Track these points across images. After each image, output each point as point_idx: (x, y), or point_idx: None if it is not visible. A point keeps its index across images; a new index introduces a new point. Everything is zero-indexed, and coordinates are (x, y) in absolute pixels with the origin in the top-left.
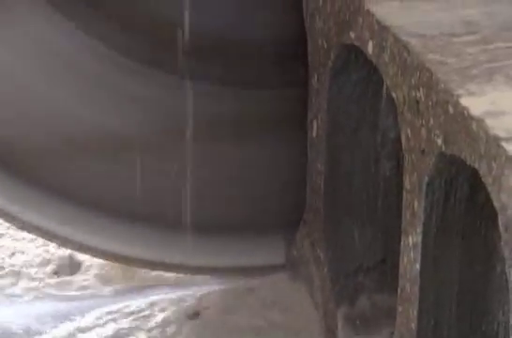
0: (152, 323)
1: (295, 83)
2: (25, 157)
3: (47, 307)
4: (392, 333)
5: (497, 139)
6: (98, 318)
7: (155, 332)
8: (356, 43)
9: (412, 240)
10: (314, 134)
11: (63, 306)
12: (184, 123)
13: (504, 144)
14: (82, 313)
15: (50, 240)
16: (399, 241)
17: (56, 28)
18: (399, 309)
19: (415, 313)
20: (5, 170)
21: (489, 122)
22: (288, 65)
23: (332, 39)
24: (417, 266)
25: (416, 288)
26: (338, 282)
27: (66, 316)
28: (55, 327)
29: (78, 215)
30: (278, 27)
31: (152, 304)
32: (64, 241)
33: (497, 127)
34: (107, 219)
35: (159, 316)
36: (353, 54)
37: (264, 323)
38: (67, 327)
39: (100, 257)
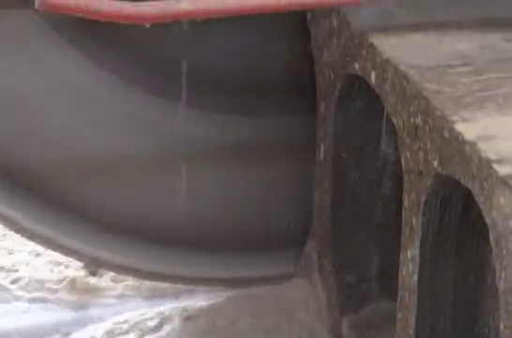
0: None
1: (290, 110)
2: (40, 175)
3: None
4: (391, 336)
5: (488, 161)
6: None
7: None
8: (360, 74)
9: (410, 254)
10: (322, 157)
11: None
12: (188, 147)
13: (494, 165)
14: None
15: (71, 257)
16: (398, 254)
17: (73, 64)
18: (399, 316)
19: (413, 319)
20: (20, 186)
21: (482, 146)
22: (279, 95)
23: (338, 71)
24: (415, 277)
25: (414, 297)
26: (343, 291)
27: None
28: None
29: (86, 229)
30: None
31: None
32: (91, 260)
33: (488, 150)
34: (108, 233)
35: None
36: (357, 84)
37: (271, 327)
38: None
39: (121, 272)
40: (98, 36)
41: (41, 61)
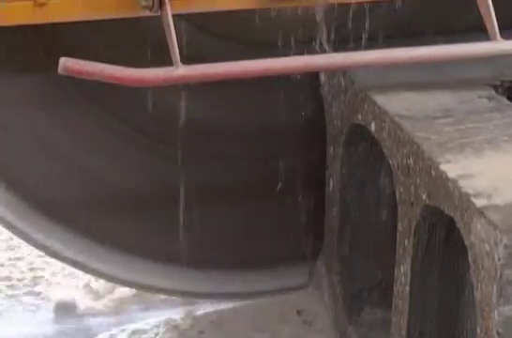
0: None
1: (274, 156)
2: (65, 207)
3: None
4: (387, 337)
5: (467, 195)
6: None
7: None
8: (362, 123)
9: (403, 269)
10: (330, 189)
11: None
12: (189, 188)
13: (472, 199)
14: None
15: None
16: (393, 270)
17: (98, 121)
18: (393, 320)
19: (405, 323)
20: (47, 216)
21: (462, 182)
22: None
23: (345, 120)
24: (407, 288)
25: (406, 305)
26: (348, 299)
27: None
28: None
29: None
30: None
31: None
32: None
33: (467, 186)
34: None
35: None
36: (360, 131)
37: (293, 323)
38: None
39: (147, 290)
40: (115, 94)
41: (65, 115)
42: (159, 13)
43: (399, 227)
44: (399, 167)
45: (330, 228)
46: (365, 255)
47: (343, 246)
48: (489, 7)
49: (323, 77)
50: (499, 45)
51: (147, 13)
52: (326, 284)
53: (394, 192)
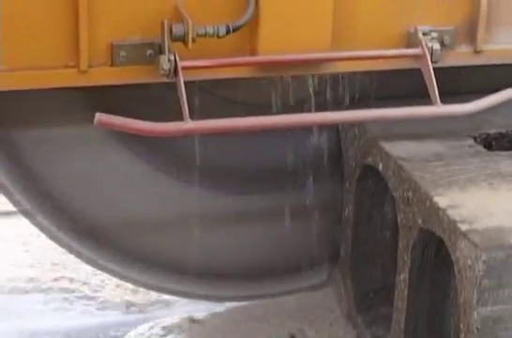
0: None
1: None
2: (110, 229)
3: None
4: (389, 329)
5: (454, 221)
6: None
7: None
8: (372, 164)
9: (402, 277)
10: (346, 214)
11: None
12: (202, 216)
13: (458, 224)
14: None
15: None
16: (394, 277)
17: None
18: (394, 316)
19: (403, 319)
20: (95, 239)
21: (450, 211)
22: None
23: (358, 162)
24: (405, 292)
25: (405, 305)
26: (358, 299)
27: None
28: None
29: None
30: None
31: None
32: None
33: (454, 214)
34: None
35: None
36: (370, 170)
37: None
38: None
39: (177, 295)
40: (145, 143)
41: (106, 158)
42: (174, 79)
43: (400, 245)
44: (400, 198)
45: (346, 243)
46: (372, 266)
47: (355, 258)
48: (431, 79)
49: (340, 127)
50: (438, 109)
51: (165, 79)
52: (342, 287)
53: (396, 218)
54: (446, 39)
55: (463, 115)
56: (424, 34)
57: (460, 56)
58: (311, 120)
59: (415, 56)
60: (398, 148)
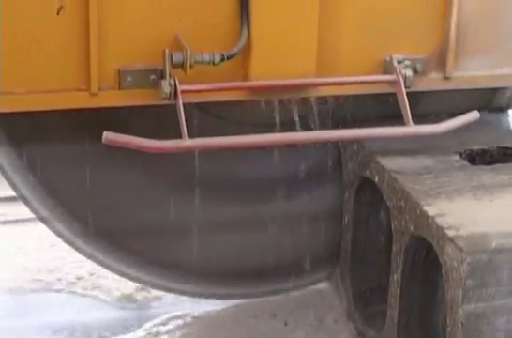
0: None
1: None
2: (129, 237)
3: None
4: (384, 324)
5: (442, 228)
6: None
7: None
8: (369, 176)
9: (396, 277)
10: (346, 221)
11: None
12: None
13: (446, 230)
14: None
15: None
16: (388, 277)
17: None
18: (388, 312)
19: (396, 314)
20: (116, 245)
21: (438, 219)
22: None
23: (356, 174)
24: (398, 290)
25: (397, 302)
26: (356, 296)
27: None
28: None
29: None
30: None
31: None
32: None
33: (442, 221)
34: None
35: None
36: (367, 182)
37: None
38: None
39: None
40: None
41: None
42: (174, 102)
43: (393, 249)
44: (394, 207)
45: (344, 248)
46: (368, 267)
47: (353, 260)
48: (405, 102)
49: (341, 143)
50: (409, 129)
51: (166, 101)
52: (341, 286)
53: (390, 224)
54: (418, 67)
55: (431, 135)
56: (398, 62)
57: (431, 82)
58: (295, 139)
59: (391, 82)
60: (392, 163)
